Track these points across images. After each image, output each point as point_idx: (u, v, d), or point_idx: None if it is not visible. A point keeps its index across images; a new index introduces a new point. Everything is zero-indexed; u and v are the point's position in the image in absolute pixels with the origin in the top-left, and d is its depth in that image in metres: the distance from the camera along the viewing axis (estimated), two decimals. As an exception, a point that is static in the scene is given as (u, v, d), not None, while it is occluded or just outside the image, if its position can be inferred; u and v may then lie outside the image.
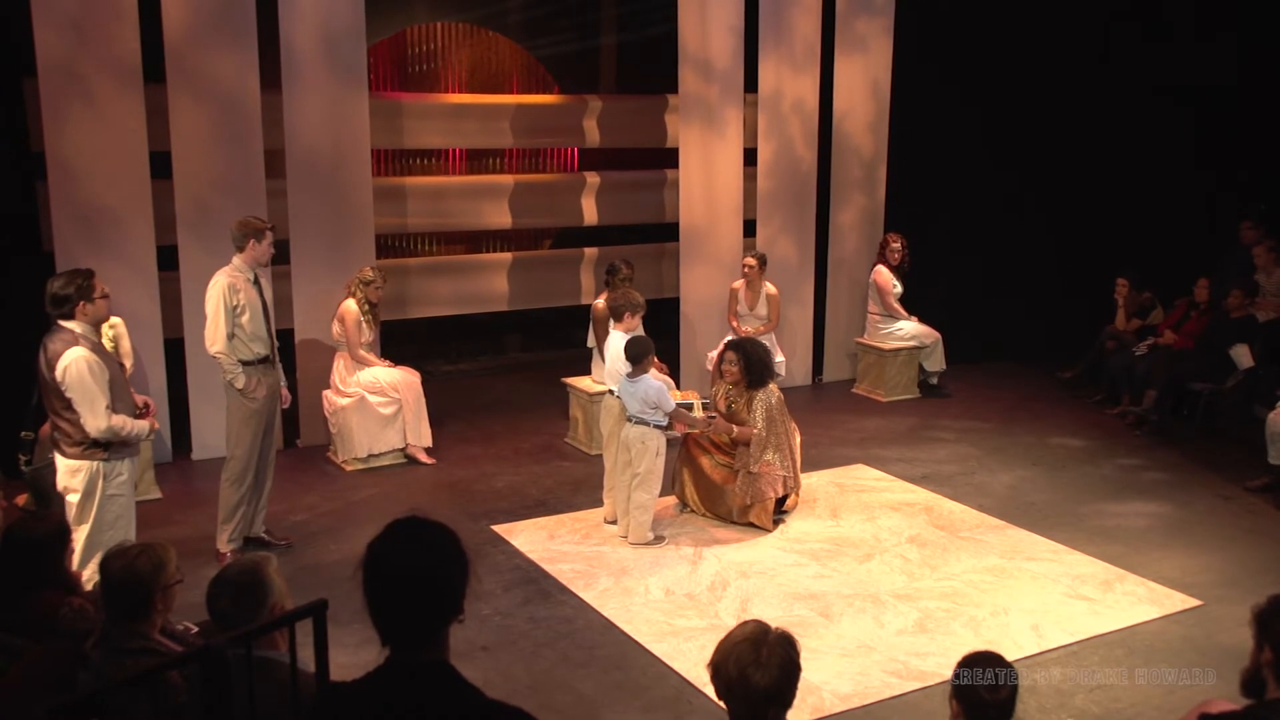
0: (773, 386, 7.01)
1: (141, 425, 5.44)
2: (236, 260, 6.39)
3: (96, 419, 5.17)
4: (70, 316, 5.27)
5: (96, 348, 5.33)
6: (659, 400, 6.49)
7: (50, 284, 5.28)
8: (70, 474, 5.31)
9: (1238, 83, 10.06)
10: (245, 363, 6.35)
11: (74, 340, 5.20)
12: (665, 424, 6.61)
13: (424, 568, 2.13)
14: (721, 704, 2.81)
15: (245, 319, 6.30)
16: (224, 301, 6.25)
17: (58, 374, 5.17)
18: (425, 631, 2.12)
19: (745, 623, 2.86)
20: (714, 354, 9.01)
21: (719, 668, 2.76)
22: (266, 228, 6.43)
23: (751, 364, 6.95)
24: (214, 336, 6.29)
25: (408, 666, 2.13)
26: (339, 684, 2.33)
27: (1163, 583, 6.08)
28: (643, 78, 10.84)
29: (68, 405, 5.18)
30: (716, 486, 6.95)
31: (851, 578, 6.17)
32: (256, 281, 6.42)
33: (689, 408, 6.89)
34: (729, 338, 8.28)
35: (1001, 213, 10.68)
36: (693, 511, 7.09)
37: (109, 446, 5.29)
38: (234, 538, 6.46)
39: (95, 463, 5.28)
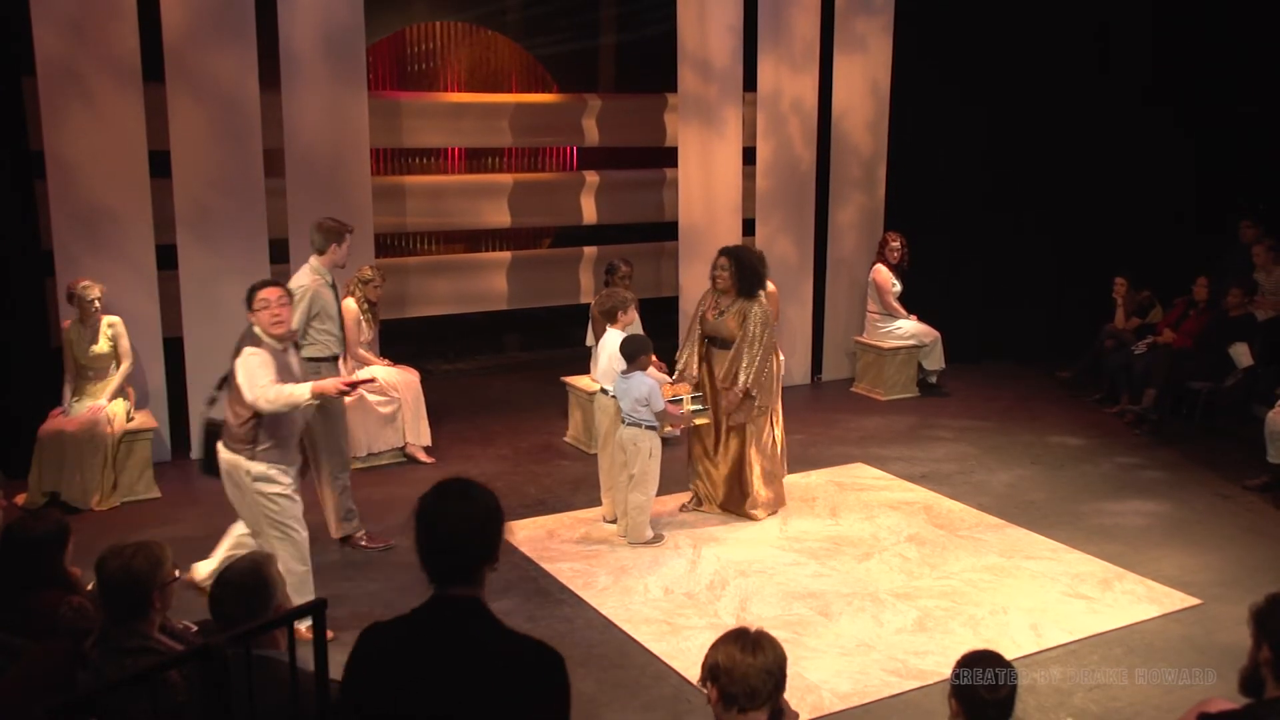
0: (763, 298, 6.79)
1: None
2: (315, 262, 6.42)
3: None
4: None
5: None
6: (649, 398, 6.43)
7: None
8: None
9: (1237, 82, 10.07)
10: (310, 359, 6.26)
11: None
12: (657, 425, 6.57)
13: (469, 519, 2.47)
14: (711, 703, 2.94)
15: (325, 322, 6.35)
16: (309, 308, 6.27)
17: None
18: (467, 573, 2.47)
19: (737, 628, 3.03)
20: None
21: (710, 660, 2.93)
22: (347, 230, 6.49)
23: (744, 270, 6.71)
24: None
25: (450, 601, 2.48)
26: (381, 621, 2.63)
27: (1162, 581, 6.08)
28: (642, 77, 10.84)
29: None
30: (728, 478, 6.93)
31: (850, 577, 6.17)
32: (333, 284, 6.44)
33: (678, 402, 6.73)
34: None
35: (1001, 212, 10.68)
36: (701, 511, 7.07)
37: None
38: (350, 525, 6.54)
39: None
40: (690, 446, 7.13)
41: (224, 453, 5.33)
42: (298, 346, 5.82)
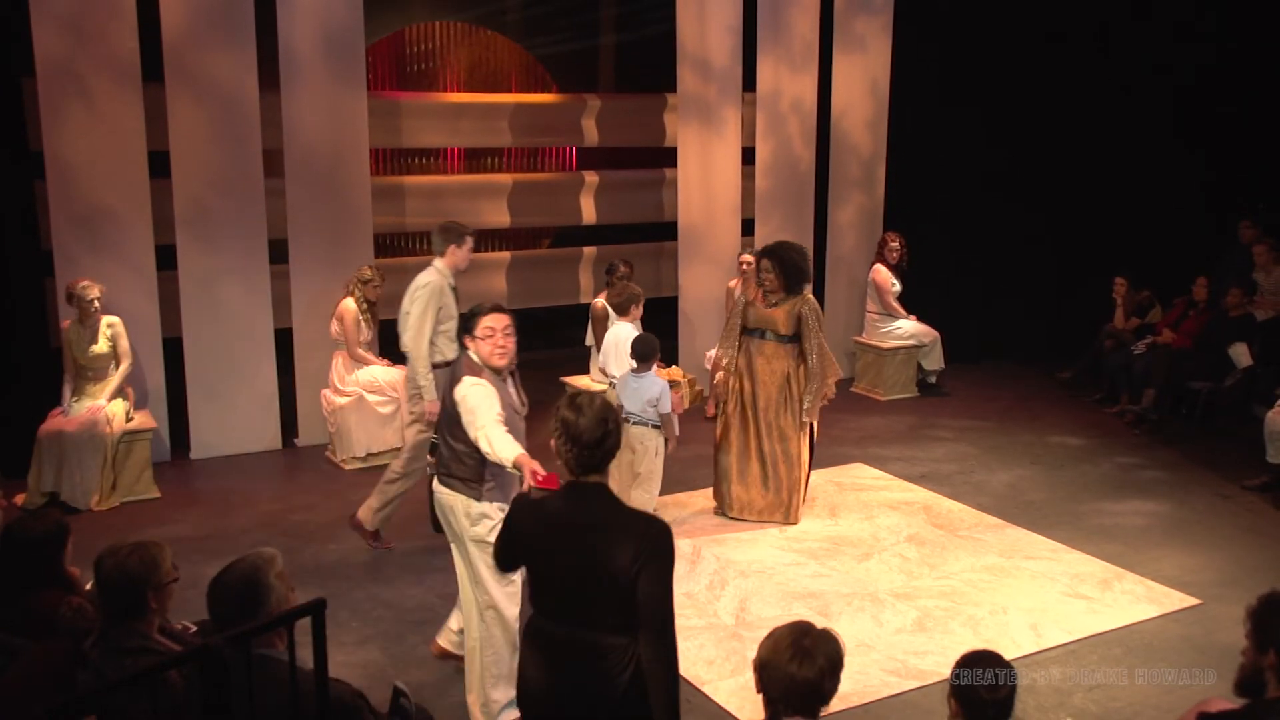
0: (809, 293, 6.80)
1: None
2: (439, 264, 6.37)
3: None
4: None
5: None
6: (660, 399, 6.43)
7: None
8: None
9: (1237, 81, 10.07)
10: (435, 366, 6.23)
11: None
12: (660, 425, 6.56)
13: (603, 423, 3.20)
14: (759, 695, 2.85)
15: (446, 324, 6.27)
16: (433, 304, 6.20)
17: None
18: (597, 465, 3.23)
19: (792, 622, 2.92)
20: (734, 283, 9.04)
21: (761, 658, 2.84)
22: (468, 233, 6.42)
23: (787, 268, 6.69)
24: (417, 339, 6.21)
25: (586, 484, 3.23)
26: (532, 499, 3.48)
27: (1161, 581, 6.08)
28: (641, 77, 10.84)
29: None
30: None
31: (850, 577, 6.17)
32: (454, 288, 6.39)
33: (675, 386, 6.76)
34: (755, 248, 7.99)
35: (1000, 211, 10.68)
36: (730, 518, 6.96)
37: None
38: (380, 522, 6.50)
39: None
40: (717, 457, 7.06)
41: (443, 493, 4.59)
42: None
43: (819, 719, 2.83)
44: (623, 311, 7.22)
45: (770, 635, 2.87)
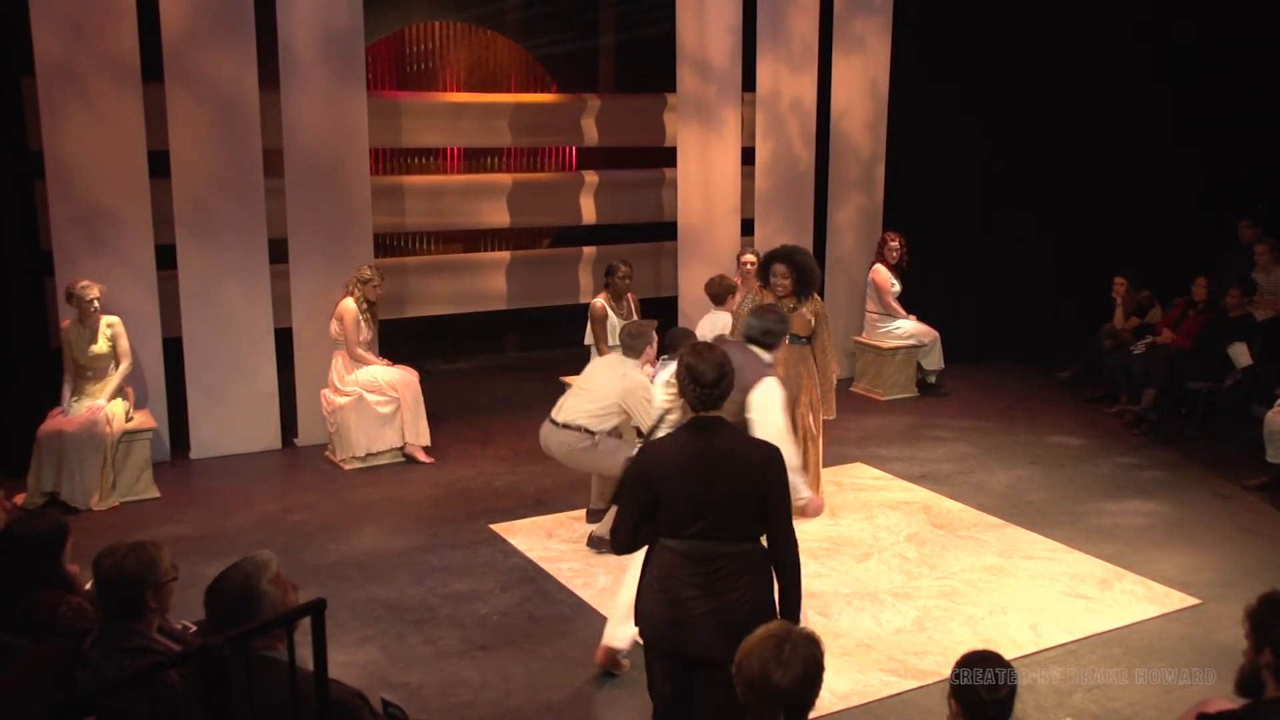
0: (817, 296, 6.77)
1: None
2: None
3: None
4: None
5: None
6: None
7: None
8: None
9: (1238, 81, 10.07)
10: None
11: None
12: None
13: (719, 367, 3.68)
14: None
15: None
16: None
17: None
18: (715, 402, 3.70)
19: (771, 623, 2.87)
20: (747, 256, 8.94)
21: (742, 667, 2.79)
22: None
23: (802, 274, 6.59)
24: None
25: (707, 418, 3.72)
26: (657, 438, 4.08)
27: (1161, 581, 6.08)
28: (641, 77, 10.84)
29: None
30: None
31: (850, 576, 6.17)
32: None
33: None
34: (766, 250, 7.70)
35: (1000, 211, 10.69)
36: None
37: None
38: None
39: None
40: None
41: None
42: None
43: None
44: (719, 301, 7.85)
45: (746, 647, 2.81)
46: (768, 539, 3.71)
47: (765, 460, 3.69)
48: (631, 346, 6.50)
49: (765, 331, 5.49)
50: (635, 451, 4.25)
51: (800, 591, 3.75)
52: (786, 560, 3.70)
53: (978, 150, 10.46)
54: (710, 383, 3.68)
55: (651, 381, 6.31)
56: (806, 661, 2.76)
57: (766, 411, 4.82)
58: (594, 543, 6.53)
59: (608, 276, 8.47)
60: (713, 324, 7.54)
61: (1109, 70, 10.66)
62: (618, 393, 6.29)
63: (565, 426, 6.37)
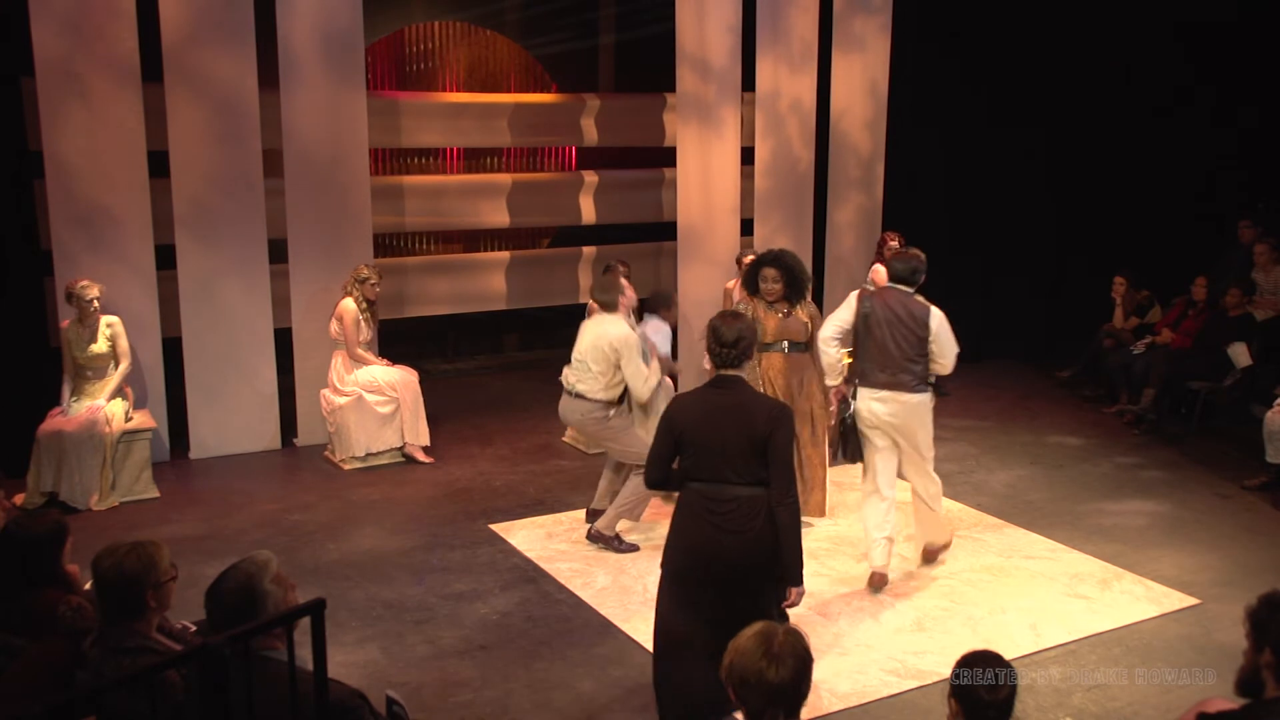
0: (810, 300, 6.63)
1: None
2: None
3: None
4: None
5: None
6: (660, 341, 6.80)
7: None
8: None
9: (1238, 81, 10.07)
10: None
11: None
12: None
13: (742, 332, 4.32)
14: (738, 712, 2.81)
15: None
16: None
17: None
18: (737, 361, 4.32)
19: (754, 629, 2.87)
20: (731, 284, 8.89)
21: (732, 669, 2.79)
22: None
23: (793, 277, 6.46)
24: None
25: (728, 376, 4.30)
26: (686, 393, 4.62)
27: (1161, 581, 6.08)
28: (640, 77, 10.84)
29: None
30: None
31: (850, 576, 6.17)
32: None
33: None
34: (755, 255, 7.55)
35: (999, 211, 10.69)
36: None
37: None
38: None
39: None
40: None
41: (915, 397, 5.87)
42: None
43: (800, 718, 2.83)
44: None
45: (734, 646, 2.81)
46: (770, 481, 4.17)
47: (773, 415, 4.21)
48: (607, 303, 6.54)
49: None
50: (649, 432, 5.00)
51: (798, 533, 4.22)
52: (782, 499, 4.17)
53: (977, 149, 10.46)
54: (729, 343, 4.30)
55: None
56: (797, 655, 2.76)
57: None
58: (594, 537, 6.53)
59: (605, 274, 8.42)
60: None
61: (1109, 70, 10.66)
62: (609, 348, 6.34)
63: (579, 396, 6.45)
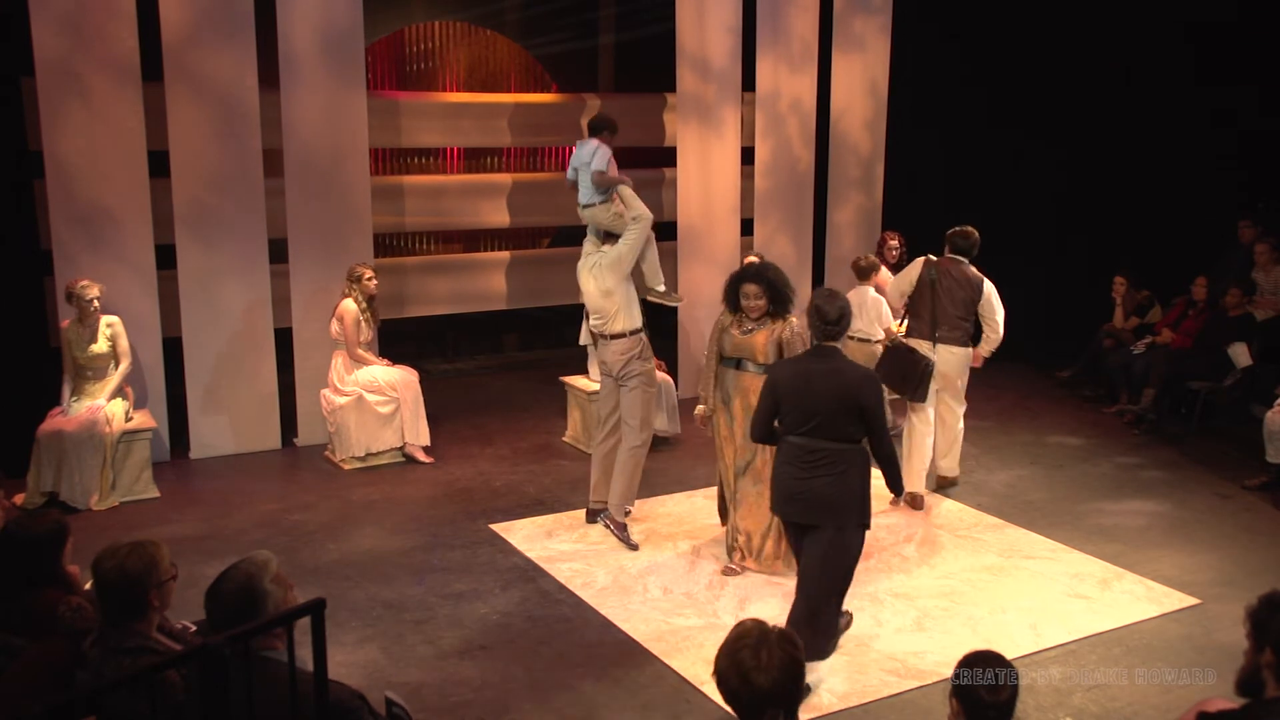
0: (793, 319, 6.01)
1: None
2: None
3: None
4: None
5: None
6: (594, 160, 6.60)
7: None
8: None
9: (1239, 81, 10.06)
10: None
11: None
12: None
13: (838, 310, 4.90)
14: (728, 708, 2.79)
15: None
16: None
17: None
18: (833, 336, 4.92)
19: (743, 622, 2.83)
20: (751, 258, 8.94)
21: (720, 671, 2.75)
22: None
23: (775, 292, 5.92)
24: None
25: (824, 346, 4.93)
26: (786, 359, 5.60)
27: (1161, 581, 6.08)
28: (640, 77, 10.84)
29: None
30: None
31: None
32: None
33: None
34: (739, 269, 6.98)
35: (999, 211, 10.68)
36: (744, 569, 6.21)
37: None
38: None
39: None
40: (719, 494, 6.50)
41: (962, 350, 7.23)
42: None
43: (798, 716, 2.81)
44: (864, 277, 8.51)
45: (723, 650, 2.76)
46: (869, 439, 4.87)
47: (862, 381, 4.85)
48: (596, 237, 6.71)
49: None
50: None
51: (898, 471, 5.14)
52: (883, 451, 4.92)
53: (977, 149, 10.46)
54: (832, 320, 4.89)
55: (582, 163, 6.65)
56: (784, 662, 2.70)
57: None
58: (605, 523, 6.64)
59: None
60: (862, 299, 8.30)
61: (1109, 70, 10.66)
62: (610, 272, 6.51)
63: (616, 336, 6.54)
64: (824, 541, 4.85)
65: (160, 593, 3.34)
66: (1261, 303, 9.08)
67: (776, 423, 5.01)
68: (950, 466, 7.50)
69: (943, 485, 7.49)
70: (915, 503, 7.13)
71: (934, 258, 7.36)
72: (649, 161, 10.88)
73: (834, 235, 10.36)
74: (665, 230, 10.42)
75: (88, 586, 3.72)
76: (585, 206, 6.71)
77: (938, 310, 7.16)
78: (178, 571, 3.45)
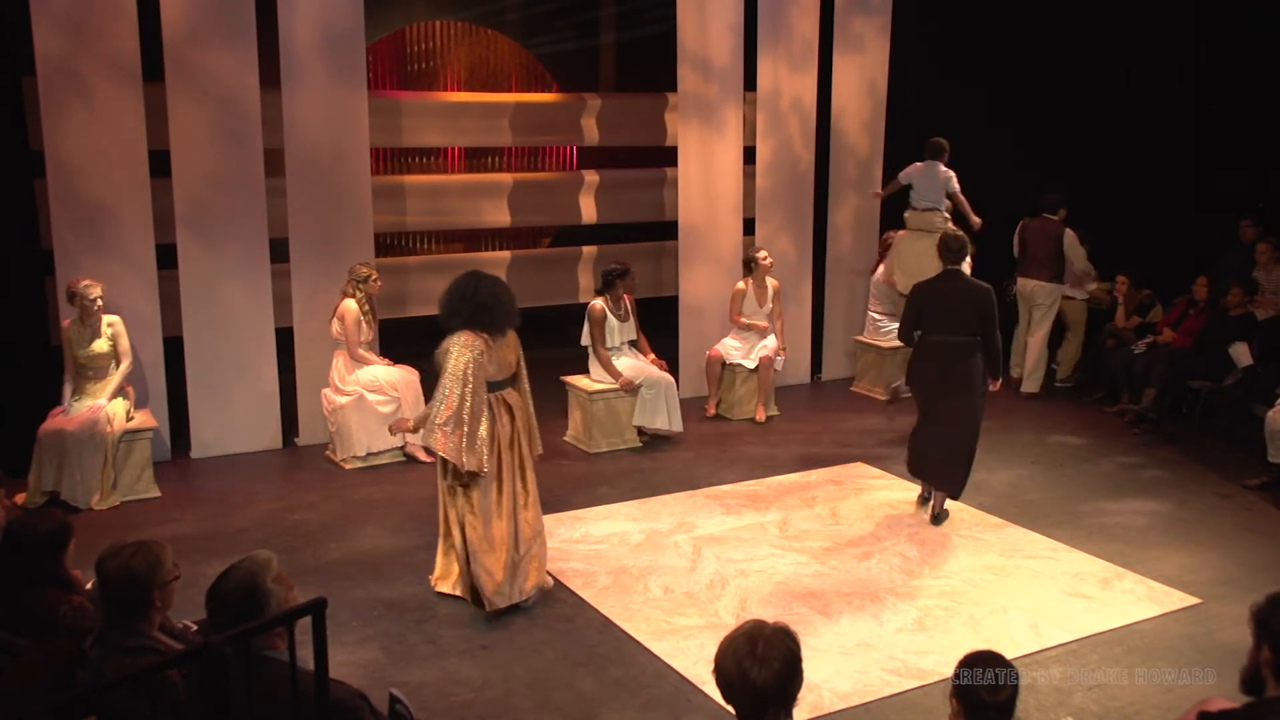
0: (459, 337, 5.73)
1: None
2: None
3: None
4: None
5: None
6: None
7: None
8: None
9: (1239, 80, 10.06)
10: None
11: None
12: None
13: (963, 241, 6.83)
14: (729, 706, 2.80)
15: None
16: None
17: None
18: (956, 261, 6.81)
19: (744, 622, 2.84)
20: (741, 285, 9.09)
21: (719, 668, 2.76)
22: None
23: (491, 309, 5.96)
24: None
25: (951, 269, 6.70)
26: (926, 279, 7.07)
27: (1162, 581, 6.08)
28: (642, 76, 10.84)
29: None
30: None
31: (850, 576, 6.17)
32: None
33: None
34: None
35: (998, 210, 10.66)
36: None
37: None
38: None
39: None
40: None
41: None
42: None
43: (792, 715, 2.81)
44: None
45: (722, 647, 2.77)
46: (981, 334, 6.61)
47: (982, 292, 6.61)
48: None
49: None
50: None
51: (998, 361, 6.77)
52: (990, 345, 6.67)
53: (976, 149, 10.44)
54: (956, 250, 6.74)
55: None
56: (783, 656, 2.72)
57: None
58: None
59: (618, 279, 8.34)
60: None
61: (1109, 70, 10.66)
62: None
63: None
64: (964, 405, 6.69)
65: (163, 593, 3.35)
66: (1262, 302, 9.07)
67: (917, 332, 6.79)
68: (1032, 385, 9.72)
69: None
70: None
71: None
72: (650, 161, 10.90)
73: (834, 235, 10.36)
74: (667, 230, 10.44)
75: (89, 586, 3.72)
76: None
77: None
78: (180, 572, 3.46)
